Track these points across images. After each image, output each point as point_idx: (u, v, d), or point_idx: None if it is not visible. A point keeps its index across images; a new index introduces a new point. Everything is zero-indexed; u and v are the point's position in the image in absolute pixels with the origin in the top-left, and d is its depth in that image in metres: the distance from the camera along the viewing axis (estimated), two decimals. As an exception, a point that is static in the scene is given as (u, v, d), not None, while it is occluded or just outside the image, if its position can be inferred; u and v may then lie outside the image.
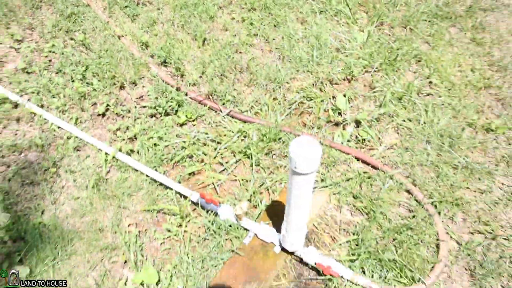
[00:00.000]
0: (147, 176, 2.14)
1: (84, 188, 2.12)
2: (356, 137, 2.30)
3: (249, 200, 2.01)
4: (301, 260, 1.77)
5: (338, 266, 1.69)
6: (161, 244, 1.93)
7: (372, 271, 1.73)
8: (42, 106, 2.52)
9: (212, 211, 1.96)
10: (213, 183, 2.13)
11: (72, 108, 2.51)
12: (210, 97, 2.59)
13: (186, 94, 2.56)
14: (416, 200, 1.98)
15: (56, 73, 2.71)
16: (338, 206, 2.00)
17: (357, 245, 1.82)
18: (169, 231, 1.93)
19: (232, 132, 2.34)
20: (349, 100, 2.45)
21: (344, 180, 2.07)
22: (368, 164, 2.15)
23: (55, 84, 2.60)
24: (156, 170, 2.16)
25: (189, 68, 2.70)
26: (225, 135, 2.33)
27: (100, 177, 2.14)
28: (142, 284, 1.77)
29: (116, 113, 2.50)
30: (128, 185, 2.12)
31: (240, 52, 2.83)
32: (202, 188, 2.13)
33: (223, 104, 2.52)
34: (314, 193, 2.02)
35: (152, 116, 2.49)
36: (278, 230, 1.75)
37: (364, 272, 1.74)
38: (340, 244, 1.84)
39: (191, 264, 1.81)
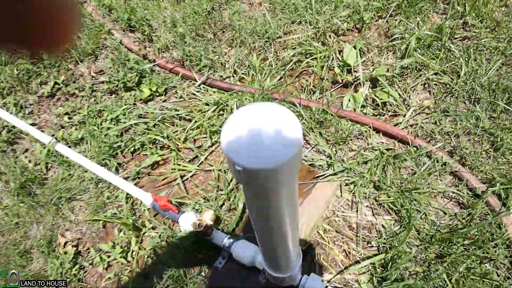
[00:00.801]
0: (93, 173, 1.42)
1: (12, 194, 1.43)
2: (373, 100, 1.50)
3: (228, 199, 1.27)
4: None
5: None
6: (105, 269, 1.22)
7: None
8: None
9: (171, 220, 1.23)
10: (180, 176, 1.39)
11: (17, 91, 1.80)
12: (183, 64, 1.83)
13: (154, 61, 1.81)
14: (469, 188, 1.20)
15: None
16: (353, 202, 1.24)
17: (384, 267, 1.07)
18: (116, 249, 1.22)
19: (208, 104, 1.58)
20: (360, 54, 1.64)
21: (360, 163, 1.29)
22: (392, 137, 1.37)
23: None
24: (106, 163, 1.44)
25: (160, 32, 1.93)
26: (199, 111, 1.57)
27: (32, 178, 1.43)
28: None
29: (67, 92, 1.77)
30: (70, 187, 1.41)
31: (223, 9, 2.03)
32: (167, 184, 1.40)
33: (199, 70, 1.75)
34: (317, 185, 1.26)
35: (111, 93, 1.75)
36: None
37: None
38: (359, 264, 1.09)
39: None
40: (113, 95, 1.71)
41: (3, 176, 1.47)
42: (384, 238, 1.11)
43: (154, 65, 1.76)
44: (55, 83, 1.76)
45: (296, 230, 0.68)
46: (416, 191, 1.16)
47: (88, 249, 1.25)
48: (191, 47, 1.78)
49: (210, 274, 1.10)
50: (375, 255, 1.08)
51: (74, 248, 1.26)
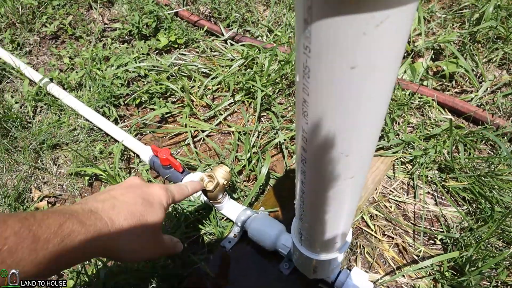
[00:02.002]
0: (86, 120, 1.17)
1: (-11, 136, 1.18)
2: (436, 73, 1.22)
3: (249, 165, 1.00)
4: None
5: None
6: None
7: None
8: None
9: (171, 181, 0.96)
10: (192, 136, 1.13)
11: (17, 28, 1.57)
12: (210, 19, 1.57)
13: (177, 14, 1.56)
14: None
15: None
16: (410, 186, 0.95)
17: (456, 272, 0.78)
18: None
19: (233, 59, 1.32)
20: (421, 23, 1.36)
21: (422, 138, 1.01)
22: (461, 114, 1.08)
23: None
24: (104, 112, 1.19)
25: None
26: (222, 66, 1.31)
27: (14, 117, 1.17)
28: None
29: (73, 35, 1.53)
30: (56, 134, 1.16)
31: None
32: (175, 145, 1.14)
33: (228, 26, 1.49)
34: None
35: (124, 41, 1.50)
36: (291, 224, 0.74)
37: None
38: (418, 265, 0.80)
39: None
40: (125, 44, 1.47)
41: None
42: (454, 231, 0.82)
43: (176, 12, 1.51)
44: (61, 23, 1.52)
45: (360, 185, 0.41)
46: (496, 176, 0.87)
47: (66, 208, 0.99)
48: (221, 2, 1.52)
49: (213, 258, 0.83)
50: (440, 254, 0.79)
51: (50, 205, 1.00)
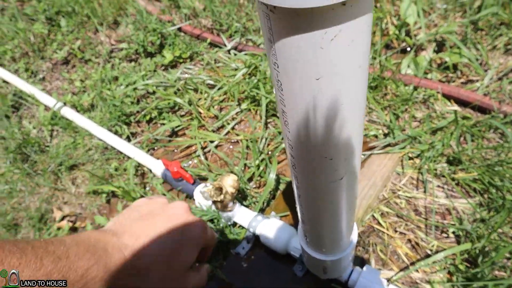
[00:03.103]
0: (99, 139, 1.21)
1: (10, 161, 1.23)
2: (440, 65, 1.22)
3: (258, 170, 1.02)
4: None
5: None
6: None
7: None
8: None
9: (184, 193, 0.99)
10: (202, 147, 1.16)
11: (30, 57, 1.64)
12: (212, 31, 1.61)
13: (180, 30, 1.60)
14: None
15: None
16: (419, 181, 0.95)
17: (470, 264, 0.78)
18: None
19: (237, 68, 1.35)
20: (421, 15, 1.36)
21: (428, 131, 1.01)
22: (467, 104, 1.07)
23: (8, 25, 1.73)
24: (117, 130, 1.23)
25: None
26: (226, 76, 1.34)
27: (32, 142, 1.23)
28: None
29: (82, 58, 1.59)
30: (73, 155, 1.20)
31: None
32: (186, 157, 1.17)
33: (230, 36, 1.52)
34: (372, 158, 0.99)
35: (131, 60, 1.55)
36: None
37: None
38: (431, 259, 0.80)
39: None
40: (132, 63, 1.52)
41: (5, 142, 1.29)
42: (466, 223, 0.81)
43: (179, 28, 1.55)
44: (70, 48, 1.59)
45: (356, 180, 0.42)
46: (509, 165, 0.87)
47: (85, 227, 1.03)
48: (222, 8, 1.55)
49: (229, 262, 0.85)
50: (460, 251, 0.79)
51: (71, 223, 1.04)
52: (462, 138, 0.98)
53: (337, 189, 0.41)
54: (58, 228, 1.02)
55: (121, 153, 1.16)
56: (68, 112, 1.26)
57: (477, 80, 1.14)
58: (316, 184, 0.40)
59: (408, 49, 1.29)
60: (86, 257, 0.43)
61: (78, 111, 1.32)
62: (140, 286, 0.48)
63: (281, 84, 0.29)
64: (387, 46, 1.32)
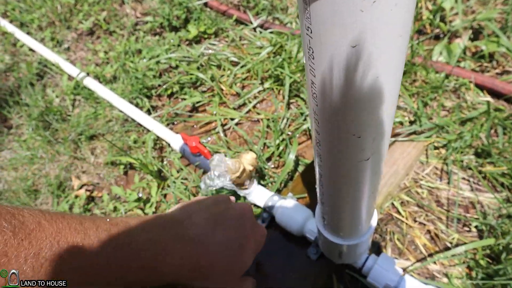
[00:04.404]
0: (120, 111, 1.21)
1: (32, 128, 1.26)
2: (474, 54, 1.17)
3: (277, 150, 1.00)
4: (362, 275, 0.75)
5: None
6: (120, 221, 1.01)
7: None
8: (21, 25, 1.69)
9: (201, 169, 0.99)
10: (222, 124, 1.15)
11: (56, 26, 1.65)
12: (239, 8, 1.58)
13: (206, 5, 1.58)
14: None
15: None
16: (443, 172, 0.92)
17: (492, 260, 0.76)
18: (131, 196, 1.00)
19: (262, 47, 1.32)
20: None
21: (457, 121, 0.97)
22: (501, 96, 1.03)
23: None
24: (138, 103, 1.23)
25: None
26: (250, 54, 1.32)
27: (54, 110, 1.25)
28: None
29: (107, 30, 1.59)
30: (93, 125, 1.21)
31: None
32: (205, 133, 1.16)
33: (256, 14, 1.49)
34: (396, 145, 0.96)
35: (155, 34, 1.54)
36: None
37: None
38: (451, 252, 0.78)
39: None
40: (156, 36, 1.51)
41: (28, 109, 1.31)
42: (490, 218, 0.79)
43: (205, 3, 1.53)
44: (96, 19, 1.59)
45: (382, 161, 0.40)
46: (541, 162, 0.83)
47: (102, 196, 1.05)
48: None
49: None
50: (481, 247, 0.77)
51: (88, 192, 1.05)
52: (493, 131, 0.94)
53: (362, 170, 0.39)
54: (76, 196, 1.04)
55: (141, 125, 1.17)
56: (91, 83, 1.27)
57: (514, 71, 1.08)
58: (340, 163, 0.38)
59: (442, 35, 1.23)
60: (145, 262, 0.43)
61: (100, 82, 1.32)
62: (202, 283, 0.48)
63: (312, 52, 0.27)
64: (420, 32, 1.27)
